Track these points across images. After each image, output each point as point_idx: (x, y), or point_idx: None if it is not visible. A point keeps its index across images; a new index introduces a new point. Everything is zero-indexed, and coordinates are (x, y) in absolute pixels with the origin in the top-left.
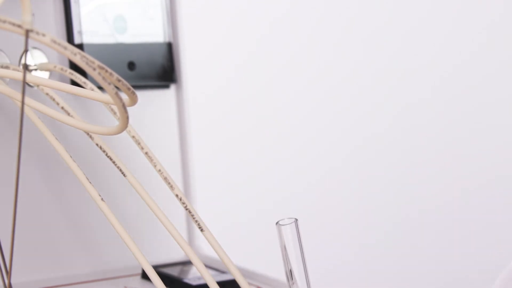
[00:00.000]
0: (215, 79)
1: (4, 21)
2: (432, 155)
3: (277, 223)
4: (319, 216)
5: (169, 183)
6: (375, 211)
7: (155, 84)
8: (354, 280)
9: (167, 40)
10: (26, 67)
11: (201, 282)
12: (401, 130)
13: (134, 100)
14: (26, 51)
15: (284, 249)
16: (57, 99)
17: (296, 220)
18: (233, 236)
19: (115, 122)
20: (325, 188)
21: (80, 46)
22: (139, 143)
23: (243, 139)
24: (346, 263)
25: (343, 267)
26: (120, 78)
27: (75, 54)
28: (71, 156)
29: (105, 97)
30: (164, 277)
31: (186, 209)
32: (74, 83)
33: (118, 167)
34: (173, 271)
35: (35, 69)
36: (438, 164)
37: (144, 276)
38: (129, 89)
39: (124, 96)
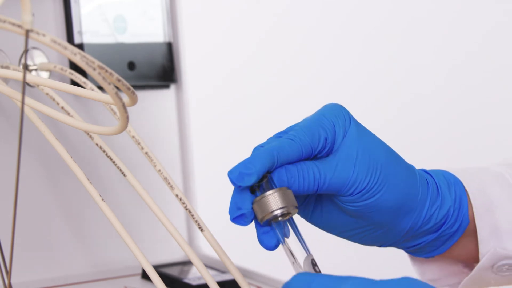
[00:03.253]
0: (215, 79)
1: (4, 21)
2: (431, 152)
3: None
4: None
5: (169, 183)
6: None
7: (155, 84)
8: None
9: (167, 40)
10: (26, 67)
11: (201, 282)
12: (401, 128)
13: (134, 100)
14: (26, 51)
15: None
16: (57, 99)
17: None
18: (233, 236)
19: (115, 122)
20: None
21: (80, 46)
22: (139, 143)
23: (243, 139)
24: (346, 262)
25: (342, 267)
26: (120, 78)
27: (75, 54)
28: (71, 156)
29: (105, 97)
30: (164, 277)
31: (186, 209)
32: (74, 83)
33: (118, 167)
34: (173, 271)
35: (35, 69)
36: (437, 162)
37: (144, 276)
38: (129, 89)
39: (124, 96)
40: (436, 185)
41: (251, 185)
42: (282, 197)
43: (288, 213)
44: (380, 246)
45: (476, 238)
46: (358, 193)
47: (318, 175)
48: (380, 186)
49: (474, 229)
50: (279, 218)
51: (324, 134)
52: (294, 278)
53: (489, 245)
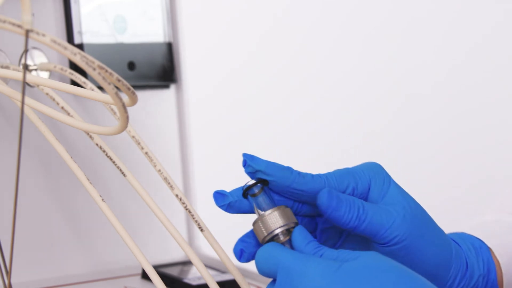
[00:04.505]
0: (215, 79)
1: (4, 21)
2: (431, 152)
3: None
4: None
5: (169, 183)
6: None
7: (155, 84)
8: None
9: (167, 40)
10: (26, 67)
11: (201, 282)
12: (401, 128)
13: (134, 100)
14: (26, 51)
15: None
16: (57, 99)
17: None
18: (233, 236)
19: (115, 122)
20: None
21: (80, 46)
22: (139, 143)
23: (243, 139)
24: None
25: None
26: (120, 78)
27: (75, 54)
28: (71, 157)
29: (105, 97)
30: (164, 277)
31: (186, 209)
32: (74, 83)
33: (118, 167)
34: (173, 271)
35: (35, 69)
36: (438, 162)
37: (144, 276)
38: (129, 89)
39: (124, 96)
40: (465, 256)
41: (249, 172)
42: (283, 215)
43: (290, 232)
44: None
45: None
46: (395, 240)
47: (362, 210)
48: (417, 240)
49: None
50: (281, 238)
51: (354, 184)
52: (261, 249)
53: None
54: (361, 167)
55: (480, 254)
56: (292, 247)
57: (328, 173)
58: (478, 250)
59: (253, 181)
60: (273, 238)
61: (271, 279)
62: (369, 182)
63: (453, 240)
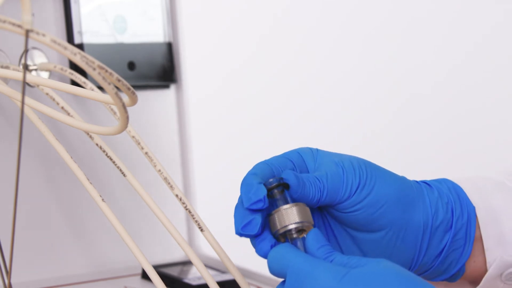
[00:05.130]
0: (215, 79)
1: (4, 21)
2: (431, 152)
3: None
4: None
5: (169, 183)
6: None
7: (155, 84)
8: None
9: (167, 40)
10: (26, 67)
11: (201, 282)
12: (401, 128)
13: (134, 100)
14: (26, 51)
15: None
16: (57, 99)
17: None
18: (233, 236)
19: (115, 122)
20: None
21: (80, 46)
22: (139, 143)
23: (243, 139)
24: None
25: None
26: (120, 78)
27: (75, 54)
28: (71, 157)
29: (105, 97)
30: (164, 277)
31: (186, 209)
32: (74, 83)
33: (118, 167)
34: (173, 271)
35: (35, 69)
36: (438, 162)
37: (144, 276)
38: (129, 89)
39: (124, 96)
40: (426, 182)
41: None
42: (301, 212)
43: (304, 230)
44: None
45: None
46: (355, 190)
47: (318, 180)
48: (372, 180)
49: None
50: (294, 235)
51: (291, 164)
52: (273, 250)
53: (495, 254)
54: (290, 151)
55: (451, 186)
56: (304, 247)
57: (268, 161)
58: (450, 187)
59: (274, 183)
60: (286, 233)
61: (270, 279)
62: (301, 157)
63: (426, 183)
